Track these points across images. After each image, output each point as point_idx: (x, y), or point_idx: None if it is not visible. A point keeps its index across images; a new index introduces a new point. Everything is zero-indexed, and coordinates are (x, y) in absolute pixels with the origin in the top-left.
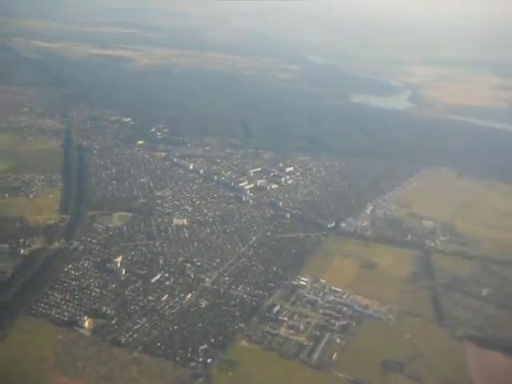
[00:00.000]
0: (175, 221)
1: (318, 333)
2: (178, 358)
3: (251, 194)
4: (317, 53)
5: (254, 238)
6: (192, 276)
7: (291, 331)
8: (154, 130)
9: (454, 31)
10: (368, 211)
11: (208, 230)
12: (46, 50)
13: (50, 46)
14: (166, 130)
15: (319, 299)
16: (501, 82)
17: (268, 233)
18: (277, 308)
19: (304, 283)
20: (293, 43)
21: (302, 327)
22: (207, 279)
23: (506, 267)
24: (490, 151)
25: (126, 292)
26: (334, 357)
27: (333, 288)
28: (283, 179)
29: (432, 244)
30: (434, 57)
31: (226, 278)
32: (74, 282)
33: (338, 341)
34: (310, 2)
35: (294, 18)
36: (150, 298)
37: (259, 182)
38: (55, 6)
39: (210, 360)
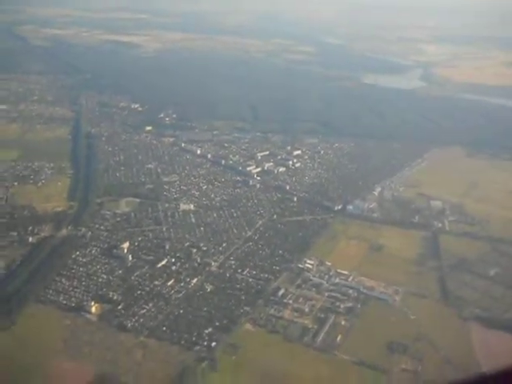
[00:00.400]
0: (182, 206)
1: (322, 315)
2: (182, 342)
3: (258, 178)
4: (330, 34)
5: (260, 222)
6: (198, 260)
7: (296, 314)
8: (162, 115)
9: (468, 10)
10: (376, 193)
11: (215, 215)
12: (56, 37)
13: (60, 33)
14: (174, 115)
15: (324, 282)
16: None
17: (274, 216)
18: (282, 291)
19: (310, 266)
20: (306, 24)
21: (306, 310)
22: (213, 263)
23: None
24: (500, 129)
25: (133, 277)
26: (338, 339)
27: (338, 270)
28: (291, 162)
29: (440, 225)
30: (446, 35)
31: (232, 262)
32: (81, 269)
33: (342, 323)
34: None
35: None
36: (156, 283)
37: (267, 165)
38: None
39: (214, 343)
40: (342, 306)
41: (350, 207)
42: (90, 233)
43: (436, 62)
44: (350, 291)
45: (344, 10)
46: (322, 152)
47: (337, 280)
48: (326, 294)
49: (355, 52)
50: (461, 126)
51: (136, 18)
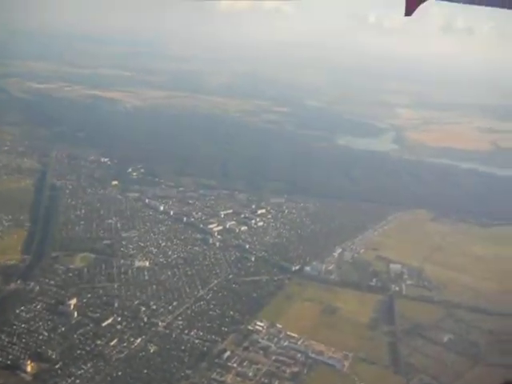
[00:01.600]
0: (137, 263)
1: (266, 380)
2: None
3: (219, 236)
4: (311, 95)
5: (215, 281)
6: (145, 320)
7: (239, 378)
8: (130, 170)
9: (449, 75)
10: (335, 254)
11: (169, 273)
12: (40, 90)
13: (44, 87)
14: (142, 170)
15: (273, 345)
16: (489, 125)
17: (230, 276)
18: (227, 354)
19: (260, 328)
20: (288, 86)
21: (250, 374)
22: (160, 323)
23: (471, 313)
24: (467, 194)
25: (75, 336)
26: None
27: (289, 333)
28: (253, 221)
29: (397, 288)
30: (426, 101)
31: (180, 323)
32: (23, 325)
33: None
34: (314, 47)
35: (297, 61)
36: (99, 342)
37: (229, 223)
38: (57, 48)
39: None
40: (287, 370)
41: (308, 268)
42: (38, 287)
43: (410, 125)
44: (298, 355)
45: (329, 73)
46: (286, 211)
47: (286, 343)
48: (273, 357)
49: (333, 114)
50: (428, 189)
51: (121, 75)
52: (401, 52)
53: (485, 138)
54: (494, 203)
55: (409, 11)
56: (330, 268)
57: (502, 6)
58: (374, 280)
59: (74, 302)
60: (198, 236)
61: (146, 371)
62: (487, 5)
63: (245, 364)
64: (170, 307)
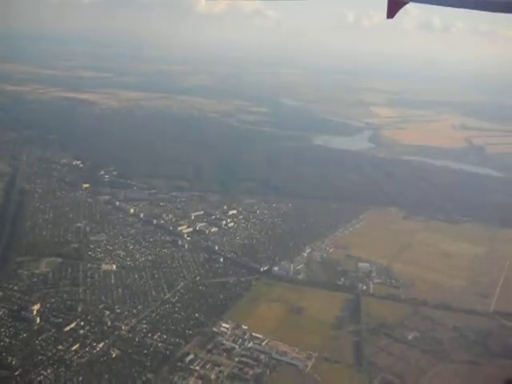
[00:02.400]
0: (104, 266)
1: (228, 382)
2: None
3: (188, 238)
4: (289, 96)
5: (181, 284)
6: (109, 324)
7: (201, 381)
8: (102, 172)
9: (435, 76)
10: (305, 254)
11: (136, 276)
12: (12, 93)
13: (17, 90)
14: (114, 172)
15: (237, 346)
16: (463, 122)
17: (198, 278)
18: (190, 356)
19: (225, 330)
20: (266, 86)
21: (212, 377)
22: (124, 327)
23: (437, 310)
24: (440, 191)
25: (37, 341)
26: None
27: (253, 334)
28: (224, 222)
29: (364, 287)
30: (403, 99)
31: (144, 326)
32: None
33: None
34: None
35: (276, 61)
36: (60, 347)
37: (199, 225)
38: (32, 49)
39: None
40: (250, 372)
41: (276, 269)
42: (0, 293)
43: (387, 124)
44: (262, 356)
45: (309, 73)
46: (258, 212)
47: (250, 344)
48: (237, 359)
49: (311, 114)
50: (401, 187)
51: (98, 76)
52: (380, 51)
53: (459, 136)
54: (464, 200)
55: (391, 13)
56: (299, 268)
57: (476, 8)
58: (342, 279)
59: (36, 307)
60: (168, 238)
61: (107, 376)
62: (460, 7)
63: (207, 367)
64: (135, 311)
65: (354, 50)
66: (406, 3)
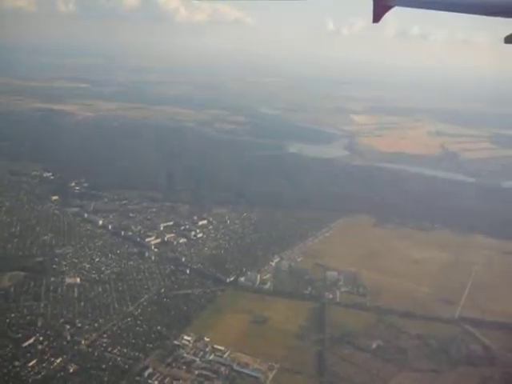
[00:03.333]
0: (68, 280)
1: None
2: None
3: (156, 250)
4: (268, 104)
5: (145, 296)
6: (68, 338)
7: None
8: (73, 184)
9: (417, 84)
10: (273, 263)
11: (100, 289)
12: None
13: None
14: (85, 184)
15: (198, 359)
16: (439, 129)
17: (162, 290)
18: (149, 371)
19: (186, 342)
20: (246, 95)
21: None
22: (83, 341)
23: (402, 318)
24: (412, 198)
25: None
26: None
27: (215, 346)
28: (193, 233)
29: (331, 296)
30: (382, 106)
31: (104, 340)
32: None
33: None
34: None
35: (256, 70)
36: (17, 363)
37: (167, 236)
38: (8, 60)
39: None
40: None
41: (242, 279)
42: None
43: (364, 131)
44: (222, 369)
45: (290, 81)
46: (228, 222)
47: (211, 357)
48: (196, 372)
49: (289, 122)
50: (373, 194)
51: (76, 87)
52: (361, 58)
53: (435, 142)
54: (436, 207)
55: (376, 18)
56: (266, 277)
57: (462, 11)
58: (309, 288)
59: None
60: (135, 250)
61: None
62: (445, 10)
63: (166, 381)
64: (96, 324)
65: (336, 58)
66: (391, 7)
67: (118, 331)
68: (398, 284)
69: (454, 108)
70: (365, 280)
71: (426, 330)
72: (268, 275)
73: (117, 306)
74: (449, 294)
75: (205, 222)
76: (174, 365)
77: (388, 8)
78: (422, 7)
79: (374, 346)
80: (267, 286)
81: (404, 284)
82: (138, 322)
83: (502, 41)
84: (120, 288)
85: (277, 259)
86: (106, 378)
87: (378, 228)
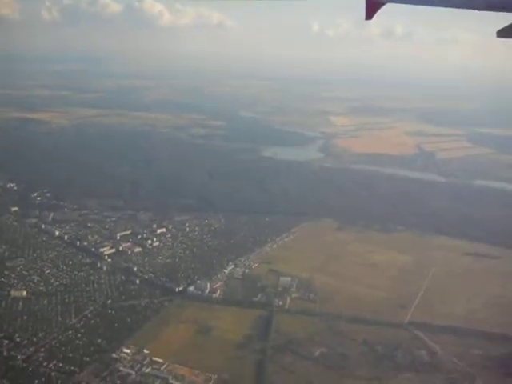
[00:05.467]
0: (13, 293)
1: None
2: None
3: (109, 260)
4: (248, 108)
5: (90, 308)
6: (4, 354)
7: None
8: (35, 194)
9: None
10: (226, 271)
11: (45, 302)
12: None
13: None
14: (48, 194)
15: (134, 373)
16: (418, 129)
17: (109, 301)
18: None
19: (125, 355)
20: (227, 99)
21: None
22: (20, 356)
23: (351, 324)
24: (380, 200)
25: None
26: None
27: (154, 359)
28: (149, 242)
29: (281, 303)
30: (362, 107)
31: (42, 355)
32: None
33: None
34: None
35: (237, 73)
36: None
37: (123, 245)
38: None
39: None
40: None
41: (191, 288)
42: None
43: (341, 133)
44: (158, 382)
45: (277, 83)
46: (187, 229)
47: (148, 370)
48: None
49: (267, 125)
50: (341, 197)
51: (56, 94)
52: (343, 59)
53: (412, 142)
54: (403, 208)
55: (369, 15)
56: (216, 286)
57: (456, 6)
58: (260, 295)
59: None
60: (88, 260)
61: None
62: (439, 5)
63: None
64: (35, 339)
65: (324, 59)
66: (384, 4)
67: (57, 345)
68: (352, 288)
69: (439, 107)
70: (318, 285)
71: (374, 336)
72: (219, 283)
73: (60, 318)
74: (402, 297)
75: (163, 230)
76: (108, 379)
77: (381, 5)
78: (414, 3)
79: (317, 353)
80: (216, 294)
81: (358, 288)
82: (79, 335)
83: (490, 37)
84: (66, 300)
85: (231, 266)
86: None
87: (340, 232)
